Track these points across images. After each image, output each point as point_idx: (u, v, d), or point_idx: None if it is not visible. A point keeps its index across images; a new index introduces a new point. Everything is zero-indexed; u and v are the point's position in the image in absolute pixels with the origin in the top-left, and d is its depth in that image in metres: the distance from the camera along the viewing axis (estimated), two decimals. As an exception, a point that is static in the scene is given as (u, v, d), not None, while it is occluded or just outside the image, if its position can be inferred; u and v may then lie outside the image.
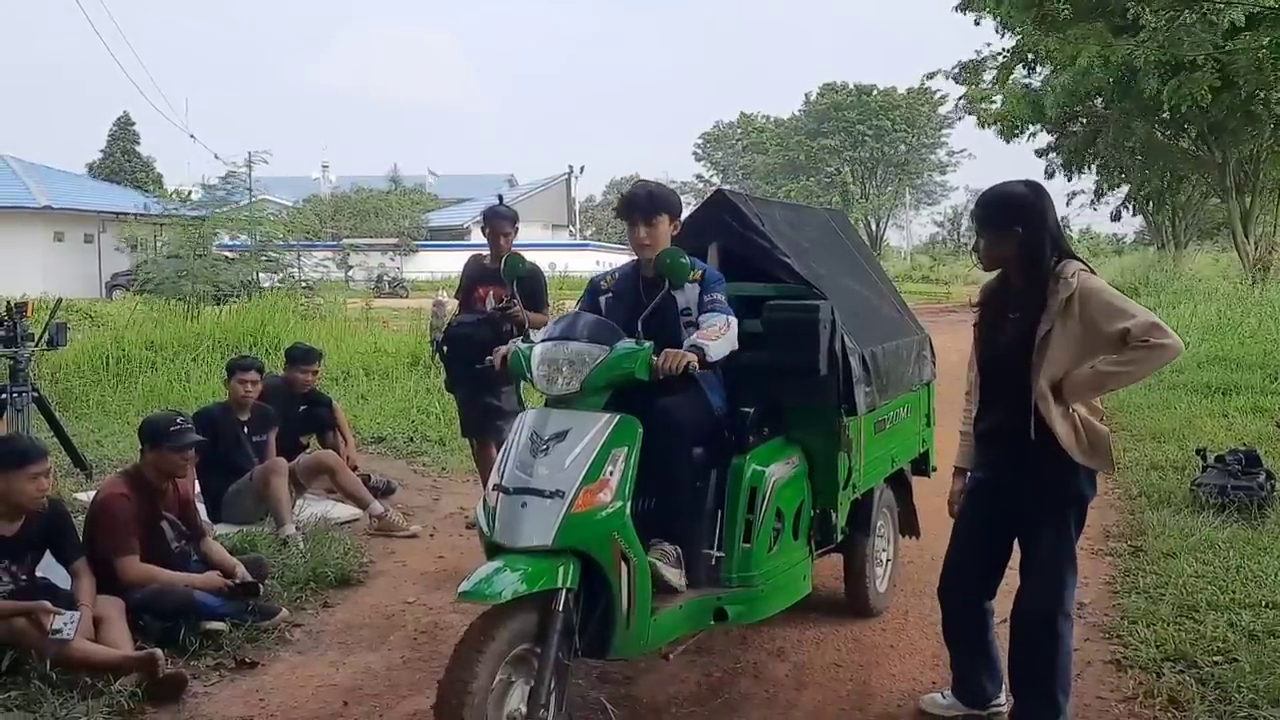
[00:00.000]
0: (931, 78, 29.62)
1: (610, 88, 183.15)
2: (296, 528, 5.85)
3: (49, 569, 4.35)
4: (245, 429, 6.33)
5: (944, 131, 64.88)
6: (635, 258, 4.07)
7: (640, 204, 3.91)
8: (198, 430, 4.99)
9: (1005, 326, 3.41)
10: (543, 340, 3.47)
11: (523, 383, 3.64)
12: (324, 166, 58.43)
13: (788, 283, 4.28)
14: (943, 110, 60.31)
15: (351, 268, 27.75)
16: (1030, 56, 21.63)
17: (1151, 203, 36.34)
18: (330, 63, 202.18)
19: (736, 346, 3.71)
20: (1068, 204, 41.39)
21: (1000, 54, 23.69)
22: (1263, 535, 5.72)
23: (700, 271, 3.87)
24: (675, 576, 3.50)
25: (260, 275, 18.40)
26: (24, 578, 4.17)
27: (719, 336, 3.61)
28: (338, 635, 4.63)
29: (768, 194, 54.39)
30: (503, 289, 5.74)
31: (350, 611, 4.94)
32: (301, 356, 7.07)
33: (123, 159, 47.11)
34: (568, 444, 3.17)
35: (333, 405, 7.31)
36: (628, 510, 3.20)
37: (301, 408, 7.03)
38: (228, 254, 18.27)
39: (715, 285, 3.86)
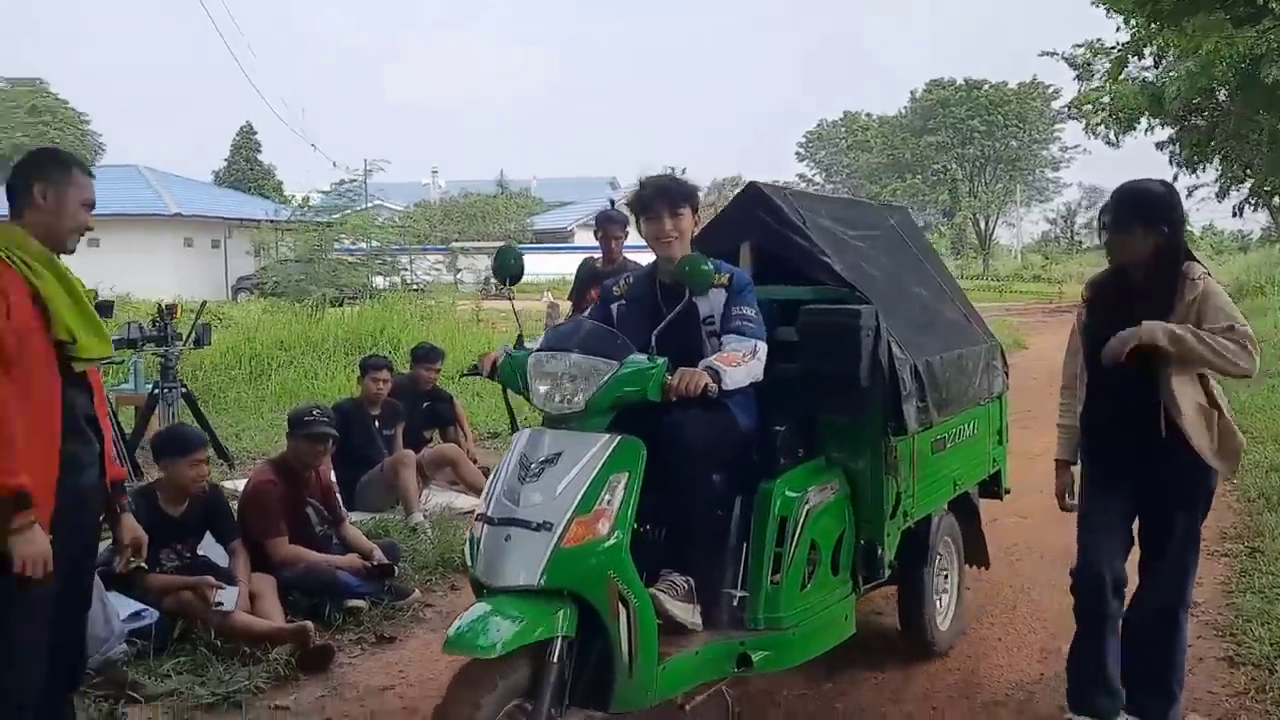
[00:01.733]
0: (1051, 55, 28.80)
1: (711, 87, 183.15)
2: (424, 516, 6.21)
3: (207, 548, 4.76)
4: (376, 423, 6.73)
5: (1057, 126, 63.06)
6: (652, 261, 3.65)
7: (667, 191, 3.48)
8: (335, 423, 5.37)
9: (1125, 323, 3.38)
10: (540, 349, 3.09)
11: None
12: (433, 172, 59.99)
13: (828, 285, 3.84)
14: (1056, 105, 58.63)
15: (460, 270, 28.48)
16: (1145, 51, 20.97)
17: (1278, 198, 34.77)
18: (436, 70, 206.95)
19: (761, 377, 3.29)
20: (1188, 196, 39.88)
21: (1114, 47, 23.00)
22: (1387, 538, 5.61)
23: (727, 276, 3.42)
24: (686, 612, 3.05)
25: (374, 278, 19.15)
26: (188, 555, 4.58)
27: (741, 363, 3.17)
28: (466, 616, 4.92)
29: (872, 193, 53.68)
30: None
31: (476, 594, 5.23)
32: (425, 355, 7.45)
33: (245, 167, 49.16)
34: (560, 469, 2.81)
35: (453, 402, 7.70)
36: (626, 545, 2.82)
37: (425, 404, 7.41)
38: (347, 258, 19.06)
39: (745, 294, 3.41)
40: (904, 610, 4.26)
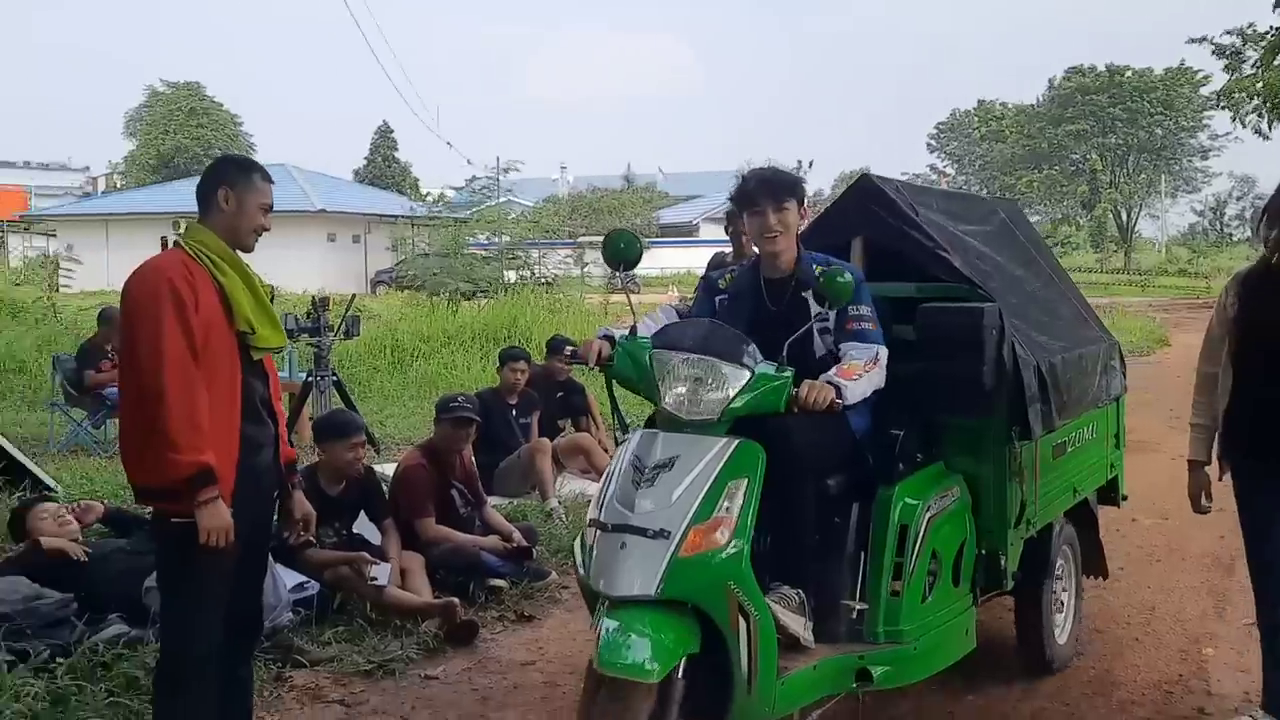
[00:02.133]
0: (1199, 42, 27.41)
1: (839, 79, 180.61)
2: (558, 502, 6.45)
3: (360, 527, 5.06)
4: (514, 412, 7.01)
5: (1206, 113, 59.86)
6: (756, 255, 3.53)
7: (770, 184, 3.32)
8: (475, 411, 5.62)
9: None
10: (664, 345, 2.94)
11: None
12: (562, 168, 61.08)
13: (947, 281, 3.66)
14: (1205, 91, 55.65)
15: (587, 264, 28.97)
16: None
17: None
18: (566, 65, 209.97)
19: (882, 385, 3.14)
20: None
21: (1267, 33, 21.79)
22: None
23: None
24: (799, 625, 2.96)
25: (506, 272, 19.67)
26: (345, 533, 4.90)
27: (863, 374, 3.03)
28: (600, 598, 5.12)
29: (1006, 185, 52.09)
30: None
31: (609, 579, 5.42)
32: (559, 347, 7.66)
33: (383, 165, 50.91)
34: (675, 474, 2.71)
35: (585, 393, 7.91)
36: (747, 554, 2.71)
37: (559, 394, 7.65)
38: (480, 252, 19.63)
39: (860, 292, 3.23)
40: (1021, 624, 4.10)
